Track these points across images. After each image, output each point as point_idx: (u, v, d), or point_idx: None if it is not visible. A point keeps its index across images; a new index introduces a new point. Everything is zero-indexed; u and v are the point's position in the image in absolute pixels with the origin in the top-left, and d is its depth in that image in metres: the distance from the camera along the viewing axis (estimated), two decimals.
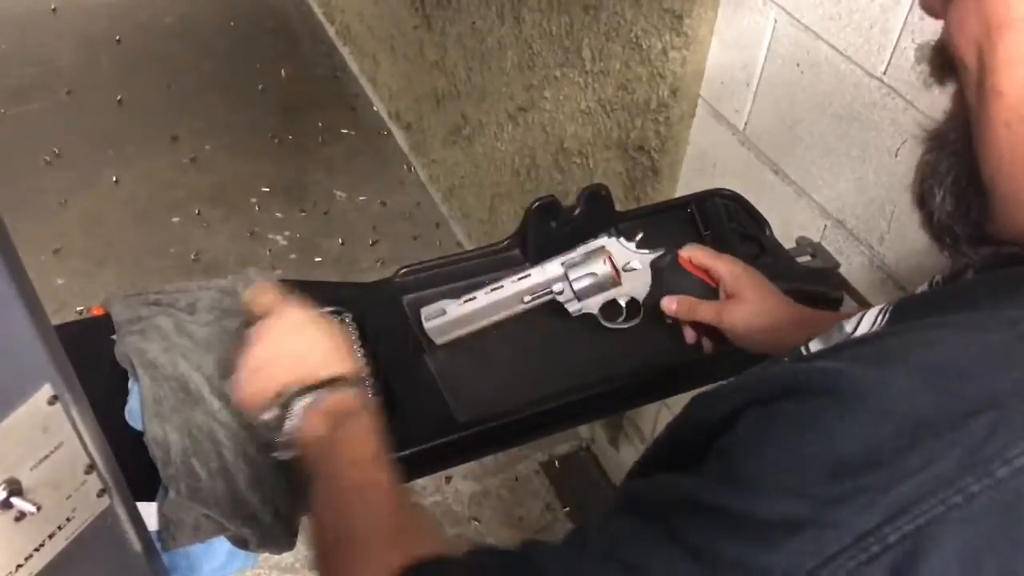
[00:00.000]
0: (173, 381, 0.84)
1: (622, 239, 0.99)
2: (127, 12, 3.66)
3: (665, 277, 0.97)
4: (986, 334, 0.43)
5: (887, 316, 0.52)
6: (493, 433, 0.92)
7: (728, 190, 1.17)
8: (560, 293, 0.98)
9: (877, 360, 0.43)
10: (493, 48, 2.07)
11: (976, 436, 0.39)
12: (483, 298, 0.98)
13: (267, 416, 0.72)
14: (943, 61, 0.52)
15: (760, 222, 1.14)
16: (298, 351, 0.74)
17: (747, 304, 0.91)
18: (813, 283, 1.06)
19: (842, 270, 1.15)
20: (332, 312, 1.01)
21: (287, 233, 2.77)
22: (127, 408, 0.85)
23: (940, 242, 0.53)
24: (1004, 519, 0.39)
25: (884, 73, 1.03)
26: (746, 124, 1.29)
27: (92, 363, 0.90)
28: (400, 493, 0.66)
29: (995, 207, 0.48)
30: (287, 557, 1.97)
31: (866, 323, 0.53)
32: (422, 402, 0.94)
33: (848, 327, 0.54)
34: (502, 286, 0.98)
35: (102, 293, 0.96)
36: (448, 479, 2.14)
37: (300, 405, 0.70)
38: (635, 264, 0.98)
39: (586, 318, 1.00)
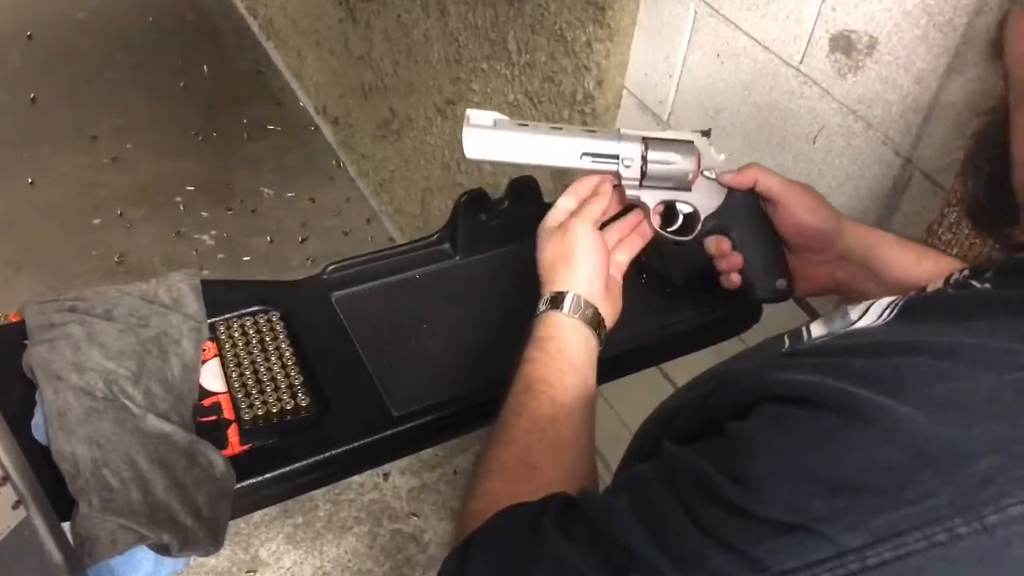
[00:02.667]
0: (79, 391, 0.82)
1: (712, 146, 0.86)
2: (37, 7, 3.52)
3: (733, 206, 0.85)
4: (1000, 373, 0.43)
5: (895, 312, 0.52)
6: (429, 427, 0.92)
7: None
8: (628, 167, 0.83)
9: (890, 387, 0.44)
10: (419, 41, 2.06)
11: (973, 478, 0.40)
12: (540, 129, 0.84)
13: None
14: (999, 41, 0.51)
15: None
16: (563, 265, 0.79)
17: (810, 187, 0.84)
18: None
19: None
20: (259, 311, 0.99)
21: (214, 232, 2.71)
22: (33, 422, 0.82)
23: (974, 223, 0.54)
24: (986, 567, 0.40)
25: (800, 62, 1.06)
26: (670, 114, 1.31)
27: (6, 372, 0.87)
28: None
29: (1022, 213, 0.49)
30: (223, 561, 1.94)
31: (872, 314, 0.54)
32: (355, 398, 0.93)
33: (853, 314, 0.55)
34: (562, 128, 0.84)
35: (21, 299, 0.93)
36: (385, 475, 2.13)
37: (541, 308, 0.78)
38: (712, 176, 0.85)
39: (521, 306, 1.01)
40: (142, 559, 0.79)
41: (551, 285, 0.79)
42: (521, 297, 1.03)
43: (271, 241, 2.70)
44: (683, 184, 0.84)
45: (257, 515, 2.01)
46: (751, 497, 0.45)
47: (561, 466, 0.65)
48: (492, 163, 0.87)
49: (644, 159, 0.83)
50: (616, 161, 0.83)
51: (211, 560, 1.93)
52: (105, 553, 0.74)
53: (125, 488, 0.77)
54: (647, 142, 0.84)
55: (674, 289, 1.06)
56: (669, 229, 0.87)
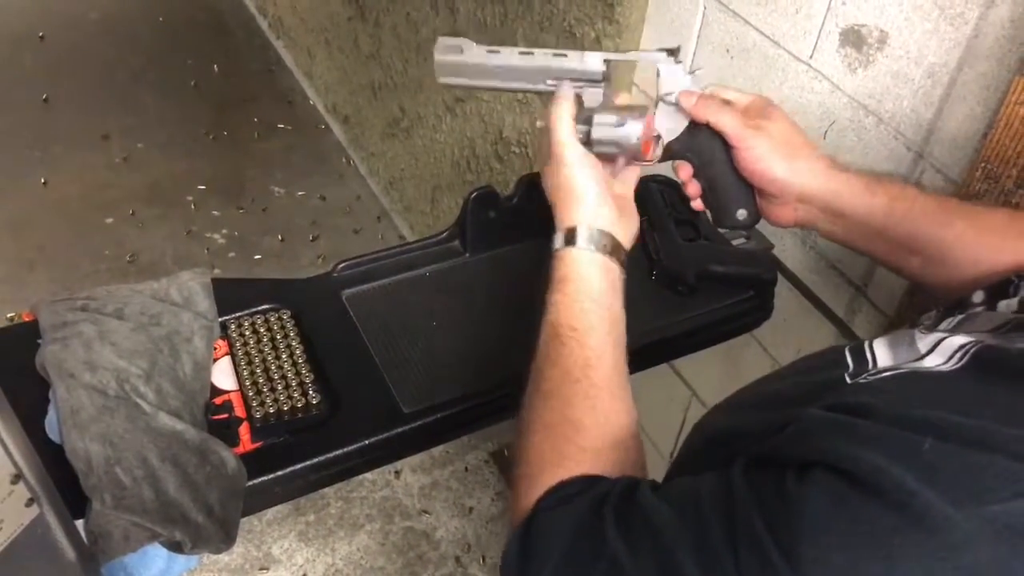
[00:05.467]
0: (91, 390, 0.82)
1: (681, 64, 0.83)
2: (50, 8, 3.55)
3: (693, 134, 0.83)
4: None
5: (966, 359, 0.52)
6: (440, 424, 0.92)
7: (662, 176, 1.19)
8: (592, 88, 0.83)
9: (959, 496, 0.43)
10: (428, 39, 2.06)
11: None
12: (508, 54, 0.85)
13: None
14: None
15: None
16: (569, 197, 0.78)
17: (772, 124, 0.80)
18: (748, 265, 1.08)
19: (776, 251, 1.17)
20: (270, 309, 1.00)
21: (225, 231, 2.72)
22: (46, 420, 0.83)
23: None
24: None
25: (811, 57, 1.05)
26: None
27: (20, 371, 0.87)
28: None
29: None
30: (236, 558, 1.95)
31: (940, 353, 0.53)
32: (367, 396, 0.93)
33: (921, 345, 0.55)
34: (532, 53, 0.85)
35: (34, 299, 0.94)
36: (397, 473, 2.14)
37: (557, 246, 0.76)
38: (673, 100, 0.83)
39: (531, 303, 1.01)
40: (155, 556, 0.80)
41: (561, 221, 0.78)
42: (530, 294, 1.04)
43: (282, 239, 2.71)
44: (633, 153, 0.81)
45: (269, 512, 2.02)
46: None
47: (599, 415, 0.66)
48: (464, 88, 0.88)
49: (588, 129, 0.80)
50: (580, 86, 0.83)
51: (223, 558, 1.94)
52: (118, 550, 0.75)
53: (137, 486, 0.77)
54: (604, 76, 0.82)
55: (685, 287, 1.05)
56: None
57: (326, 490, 2.04)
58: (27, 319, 0.94)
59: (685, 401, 1.48)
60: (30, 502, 0.57)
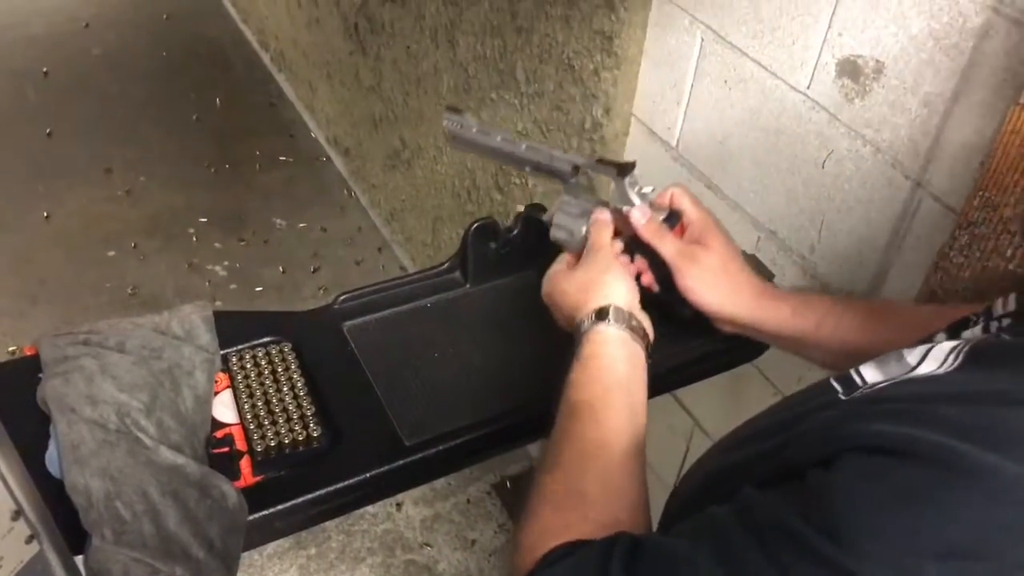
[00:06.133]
0: (92, 424, 0.82)
1: (632, 185, 0.91)
2: (54, 44, 3.58)
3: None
4: None
5: (961, 358, 0.51)
6: (441, 456, 0.92)
7: None
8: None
9: (991, 441, 0.42)
10: (428, 72, 2.08)
11: None
12: (494, 136, 0.96)
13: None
14: None
15: None
16: (597, 284, 0.82)
17: (711, 254, 0.88)
18: None
19: (777, 280, 1.18)
20: (271, 342, 1.00)
21: (226, 263, 2.73)
22: (46, 455, 0.82)
23: None
24: None
25: (808, 87, 1.06)
26: (678, 141, 1.31)
27: (21, 405, 0.87)
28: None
29: None
30: None
31: (933, 359, 0.52)
32: (368, 428, 0.93)
33: (910, 358, 0.53)
34: (513, 143, 0.96)
35: (35, 332, 0.94)
36: (398, 505, 2.12)
37: (585, 325, 0.78)
38: (630, 213, 0.91)
39: (532, 334, 1.01)
40: None
41: (590, 304, 0.79)
42: (531, 325, 1.04)
43: (283, 271, 2.71)
44: (580, 245, 0.90)
45: (270, 547, 2.00)
46: (849, 555, 0.42)
47: (611, 492, 0.64)
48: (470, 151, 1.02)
49: (553, 211, 0.94)
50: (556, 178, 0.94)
51: None
52: None
53: (138, 521, 0.77)
54: (568, 189, 0.93)
55: (684, 317, 1.05)
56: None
57: (327, 523, 2.02)
58: (29, 353, 0.94)
59: (688, 431, 1.47)
60: (30, 539, 0.57)
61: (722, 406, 1.39)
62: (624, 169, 0.90)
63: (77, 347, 0.90)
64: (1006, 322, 0.57)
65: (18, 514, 0.55)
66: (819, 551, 0.43)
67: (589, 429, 0.68)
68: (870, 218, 1.04)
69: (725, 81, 1.18)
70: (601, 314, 0.77)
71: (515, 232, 1.09)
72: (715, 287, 0.88)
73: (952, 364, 0.51)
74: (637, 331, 0.77)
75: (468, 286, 1.10)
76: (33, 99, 3.29)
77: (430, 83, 2.09)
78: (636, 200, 0.90)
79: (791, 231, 1.16)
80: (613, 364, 0.74)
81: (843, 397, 0.55)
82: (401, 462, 0.90)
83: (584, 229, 0.90)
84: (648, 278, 0.92)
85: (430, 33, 1.99)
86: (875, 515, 0.43)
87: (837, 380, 0.58)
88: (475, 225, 1.06)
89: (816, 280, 1.14)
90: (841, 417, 0.49)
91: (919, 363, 0.53)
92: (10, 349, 2.35)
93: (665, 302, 0.92)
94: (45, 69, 3.41)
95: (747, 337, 0.94)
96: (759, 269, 1.18)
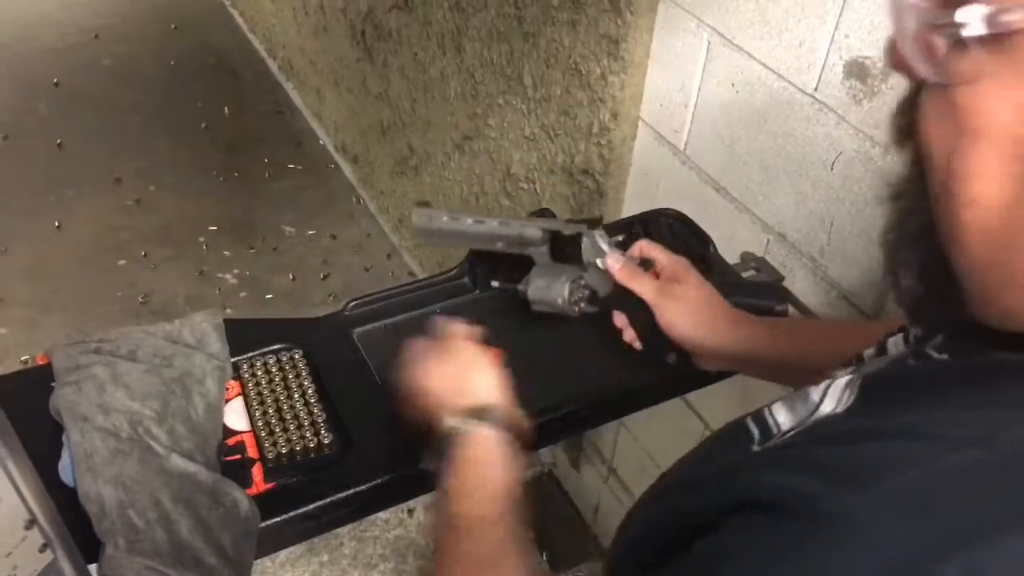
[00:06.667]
0: (105, 432, 0.83)
1: (603, 237, 0.95)
2: (64, 55, 3.61)
3: (621, 292, 0.94)
4: (958, 453, 0.39)
5: (855, 395, 0.49)
6: None
7: (672, 210, 1.19)
8: (538, 250, 0.98)
9: (850, 483, 0.40)
10: (436, 78, 2.08)
11: None
12: (464, 220, 0.99)
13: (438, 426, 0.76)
14: (904, 126, 0.48)
15: (704, 240, 1.16)
16: (466, 380, 0.80)
17: (686, 290, 0.92)
18: (759, 297, 1.08)
19: (786, 283, 1.17)
20: (281, 349, 1.00)
21: (236, 271, 2.74)
22: (60, 464, 0.83)
23: (917, 319, 0.52)
24: None
25: (815, 89, 1.06)
26: (686, 144, 1.31)
27: (34, 415, 0.88)
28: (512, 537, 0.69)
29: (970, 295, 0.46)
30: None
31: (832, 397, 0.51)
32: (379, 434, 0.93)
33: (814, 395, 0.52)
34: (483, 222, 0.99)
35: (48, 341, 0.95)
36: (410, 511, 2.12)
37: (459, 428, 0.75)
38: (601, 265, 0.95)
39: (541, 340, 1.00)
40: None
41: (461, 402, 0.77)
42: (540, 331, 1.04)
43: (293, 278, 2.72)
44: (564, 310, 0.94)
45: (283, 553, 2.01)
46: None
47: None
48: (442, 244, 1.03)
49: (526, 290, 0.96)
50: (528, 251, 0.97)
51: None
52: None
53: (151, 529, 0.77)
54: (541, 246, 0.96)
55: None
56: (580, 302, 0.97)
57: (339, 530, 2.02)
58: (41, 362, 0.94)
59: (698, 433, 1.47)
60: (44, 547, 0.57)
61: (732, 409, 1.38)
62: (593, 224, 0.95)
63: (89, 356, 0.91)
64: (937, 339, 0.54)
65: (32, 523, 0.55)
66: None
67: (471, 551, 0.67)
68: (880, 220, 1.03)
69: (732, 84, 1.18)
70: (475, 413, 0.75)
71: None
72: (695, 319, 0.90)
73: (848, 401, 0.50)
74: (516, 429, 0.76)
75: (477, 292, 1.10)
76: (43, 110, 3.31)
77: (438, 89, 2.09)
78: (607, 248, 0.94)
79: (800, 234, 1.16)
80: (489, 470, 0.72)
81: (756, 448, 0.53)
82: (412, 468, 0.90)
83: (564, 294, 0.94)
84: (630, 335, 0.96)
85: (437, 40, 2.00)
86: None
87: (754, 421, 0.56)
88: None
89: (826, 282, 1.14)
90: (737, 470, 0.48)
91: (821, 400, 0.51)
92: (23, 358, 2.36)
93: (648, 353, 0.95)
94: (55, 80, 3.44)
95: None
96: (768, 272, 1.17)
